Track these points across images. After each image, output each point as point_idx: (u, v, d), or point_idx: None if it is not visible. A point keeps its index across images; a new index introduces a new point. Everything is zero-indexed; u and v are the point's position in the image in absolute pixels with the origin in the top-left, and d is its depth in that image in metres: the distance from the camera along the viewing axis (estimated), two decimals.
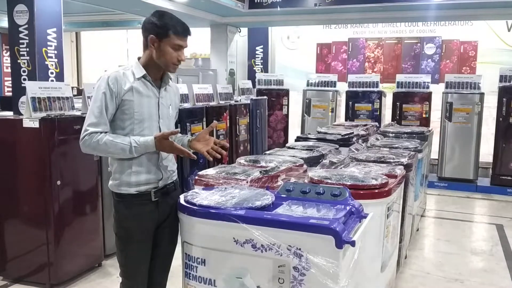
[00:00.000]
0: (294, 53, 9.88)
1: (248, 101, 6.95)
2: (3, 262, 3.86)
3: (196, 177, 2.71)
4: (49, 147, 3.62)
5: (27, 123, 3.60)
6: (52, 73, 4.69)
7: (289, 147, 4.02)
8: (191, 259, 2.14)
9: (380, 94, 7.82)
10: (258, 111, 7.18)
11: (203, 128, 5.17)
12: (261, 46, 9.48)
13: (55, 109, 3.80)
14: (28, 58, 4.53)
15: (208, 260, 2.09)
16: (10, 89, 6.77)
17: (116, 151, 2.19)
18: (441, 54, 8.70)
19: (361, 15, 8.15)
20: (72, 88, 4.78)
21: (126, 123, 2.24)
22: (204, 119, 5.42)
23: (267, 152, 3.78)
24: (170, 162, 2.40)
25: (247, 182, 2.54)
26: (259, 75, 8.90)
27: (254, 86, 8.48)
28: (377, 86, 7.86)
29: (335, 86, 8.26)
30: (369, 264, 2.72)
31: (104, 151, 2.21)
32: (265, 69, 9.47)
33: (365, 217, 2.15)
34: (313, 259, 1.86)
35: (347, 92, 8.05)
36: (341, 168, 3.26)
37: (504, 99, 6.98)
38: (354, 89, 7.94)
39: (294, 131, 8.44)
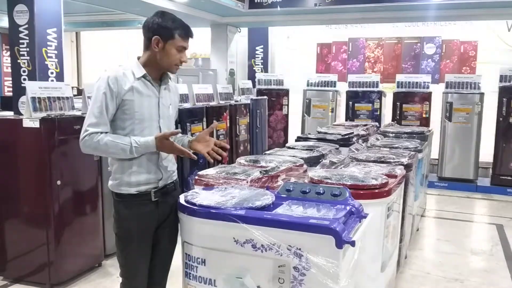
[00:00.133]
0: (294, 53, 9.88)
1: (248, 101, 6.95)
2: (3, 262, 3.85)
3: (196, 177, 2.71)
4: (49, 147, 3.61)
5: (27, 123, 3.60)
6: (52, 73, 4.69)
7: (289, 147, 4.01)
8: (191, 259, 2.14)
9: (380, 94, 7.82)
10: (258, 111, 7.18)
11: (203, 128, 5.17)
12: (261, 46, 9.46)
13: (55, 109, 3.80)
14: (28, 58, 4.54)
15: (208, 260, 2.09)
16: (10, 89, 6.78)
17: (117, 151, 2.19)
18: (441, 54, 8.69)
19: (361, 15, 8.14)
20: (72, 88, 4.77)
21: (127, 123, 2.23)
22: (204, 119, 5.41)
23: (267, 152, 3.77)
24: (170, 162, 2.40)
25: (247, 182, 2.54)
26: (259, 75, 8.90)
27: (254, 86, 8.49)
28: (377, 86, 7.86)
29: (335, 86, 8.26)
30: (369, 264, 2.71)
31: (104, 151, 2.21)
32: (265, 69, 9.46)
33: (365, 217, 2.15)
34: (313, 259, 1.86)
35: (347, 92, 8.05)
36: (341, 168, 3.26)
37: (504, 99, 6.97)
38: (354, 89, 7.94)
39: (294, 131, 8.44)
